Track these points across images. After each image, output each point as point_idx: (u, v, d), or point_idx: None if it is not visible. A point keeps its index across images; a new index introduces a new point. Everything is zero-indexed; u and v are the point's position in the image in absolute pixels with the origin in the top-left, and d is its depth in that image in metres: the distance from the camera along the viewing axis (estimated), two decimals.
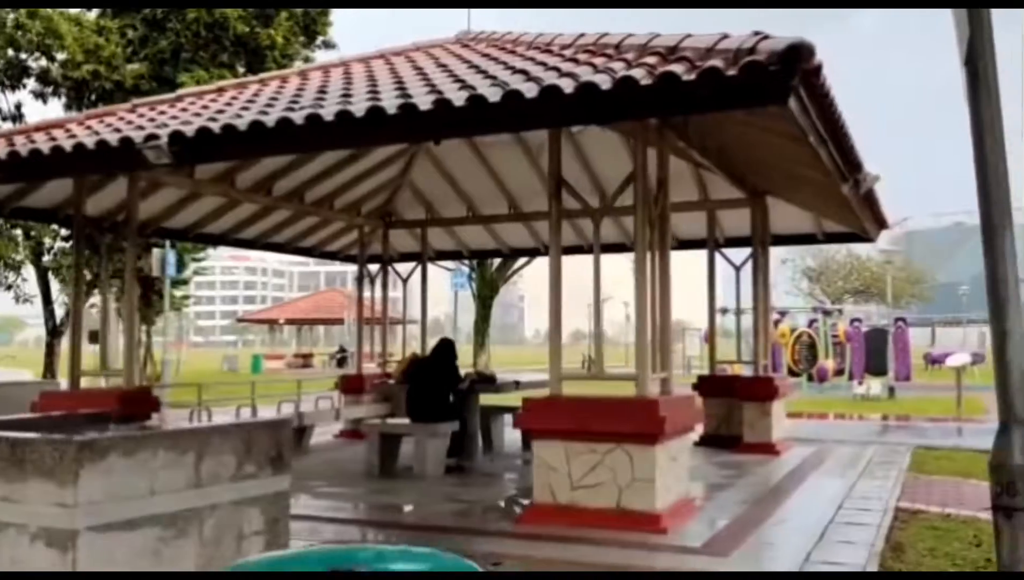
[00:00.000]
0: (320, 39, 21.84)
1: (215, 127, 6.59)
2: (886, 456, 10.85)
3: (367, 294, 13.63)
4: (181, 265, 23.37)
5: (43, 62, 18.91)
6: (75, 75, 17.84)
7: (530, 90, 5.67)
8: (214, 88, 9.36)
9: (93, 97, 18.44)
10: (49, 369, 21.69)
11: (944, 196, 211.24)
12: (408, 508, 7.79)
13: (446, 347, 9.66)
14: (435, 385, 9.16)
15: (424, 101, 5.76)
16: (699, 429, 12.06)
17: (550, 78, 5.83)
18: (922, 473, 9.56)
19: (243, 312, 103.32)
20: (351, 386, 12.84)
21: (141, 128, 6.98)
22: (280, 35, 19.20)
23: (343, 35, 24.38)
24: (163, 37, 18.37)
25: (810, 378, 25.43)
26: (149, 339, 35.72)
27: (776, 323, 28.90)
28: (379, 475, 8.97)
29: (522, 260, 47.76)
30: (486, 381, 10.07)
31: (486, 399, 10.53)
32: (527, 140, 10.97)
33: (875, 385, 22.13)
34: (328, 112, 6.15)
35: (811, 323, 27.73)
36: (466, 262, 36.78)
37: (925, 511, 7.45)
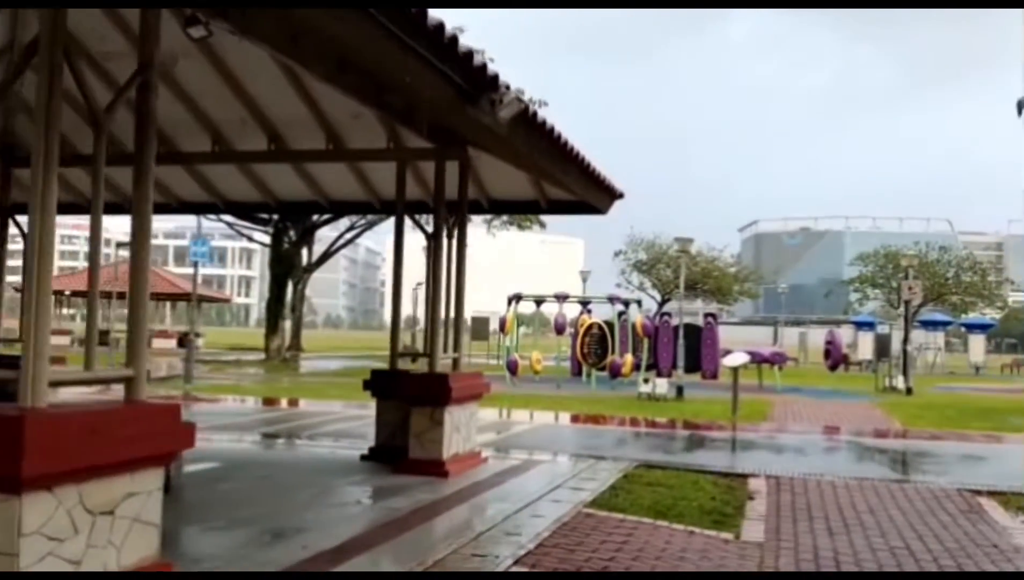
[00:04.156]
0: None
1: None
2: (586, 477, 8.63)
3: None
4: None
5: None
6: None
7: None
8: None
9: None
10: None
11: (791, 202, 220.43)
12: None
13: None
14: None
15: None
16: (371, 439, 9.60)
17: None
18: (605, 508, 7.30)
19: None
20: None
21: None
22: None
23: None
24: None
25: (602, 371, 23.57)
26: None
27: (581, 314, 27.16)
28: None
29: (345, 239, 44.52)
30: None
31: None
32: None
33: (661, 384, 20.27)
34: None
35: (621, 315, 25.97)
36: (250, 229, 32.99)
37: None
